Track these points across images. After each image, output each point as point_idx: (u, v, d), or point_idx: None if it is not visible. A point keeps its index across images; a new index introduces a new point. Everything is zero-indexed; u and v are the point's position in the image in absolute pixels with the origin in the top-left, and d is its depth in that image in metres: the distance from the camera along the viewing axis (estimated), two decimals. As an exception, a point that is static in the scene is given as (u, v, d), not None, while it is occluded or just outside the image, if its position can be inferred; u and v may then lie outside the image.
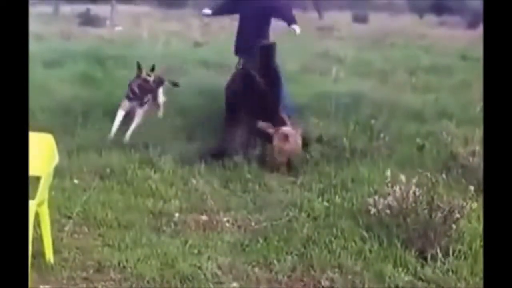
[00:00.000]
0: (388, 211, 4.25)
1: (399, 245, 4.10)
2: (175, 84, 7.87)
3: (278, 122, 6.10)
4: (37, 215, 3.70)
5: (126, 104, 6.96)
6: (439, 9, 34.71)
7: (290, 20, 7.38)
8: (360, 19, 28.67)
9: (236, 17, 7.66)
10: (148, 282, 3.74)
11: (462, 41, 16.89)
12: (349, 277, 3.86)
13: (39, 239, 3.84)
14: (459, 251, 4.06)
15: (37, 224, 3.80)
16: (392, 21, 27.96)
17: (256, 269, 3.93)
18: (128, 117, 6.88)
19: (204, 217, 4.69)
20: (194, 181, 5.41)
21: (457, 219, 4.09)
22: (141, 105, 6.98)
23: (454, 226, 4.09)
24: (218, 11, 7.97)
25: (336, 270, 3.93)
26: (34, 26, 17.99)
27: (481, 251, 3.97)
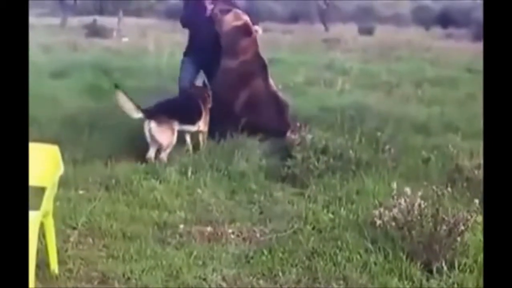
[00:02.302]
0: (393, 224, 4.24)
1: (404, 257, 4.08)
2: None
3: None
4: (42, 225, 3.71)
5: None
6: (445, 21, 34.70)
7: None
8: (366, 31, 28.63)
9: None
10: (152, 293, 3.74)
11: (468, 53, 16.87)
12: (354, 289, 3.86)
13: (43, 249, 3.85)
14: (465, 264, 4.05)
15: (42, 234, 3.81)
16: (398, 34, 27.93)
17: (261, 281, 3.92)
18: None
19: (209, 229, 4.69)
20: (199, 192, 5.42)
21: (462, 232, 4.08)
22: None
23: (459, 239, 4.08)
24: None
25: (341, 282, 3.92)
26: (41, 37, 18.15)
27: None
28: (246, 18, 7.29)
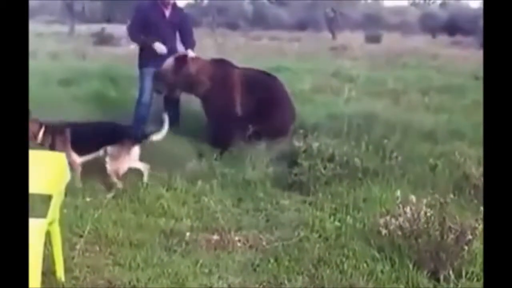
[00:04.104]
0: (399, 232, 4.23)
1: (411, 266, 4.07)
2: None
3: None
4: (48, 233, 3.72)
5: None
6: (451, 29, 34.73)
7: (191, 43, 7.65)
8: (373, 39, 28.70)
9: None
10: (158, 301, 3.74)
11: (474, 61, 16.81)
12: (361, 298, 3.84)
13: (50, 257, 3.85)
14: (472, 272, 4.03)
15: (49, 242, 3.81)
16: (405, 41, 27.99)
17: (267, 289, 3.93)
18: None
19: (215, 236, 4.68)
20: (206, 199, 5.42)
21: (469, 240, 4.06)
22: None
23: (466, 247, 4.06)
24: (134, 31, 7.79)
25: (348, 291, 3.92)
26: (49, 45, 18.22)
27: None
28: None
